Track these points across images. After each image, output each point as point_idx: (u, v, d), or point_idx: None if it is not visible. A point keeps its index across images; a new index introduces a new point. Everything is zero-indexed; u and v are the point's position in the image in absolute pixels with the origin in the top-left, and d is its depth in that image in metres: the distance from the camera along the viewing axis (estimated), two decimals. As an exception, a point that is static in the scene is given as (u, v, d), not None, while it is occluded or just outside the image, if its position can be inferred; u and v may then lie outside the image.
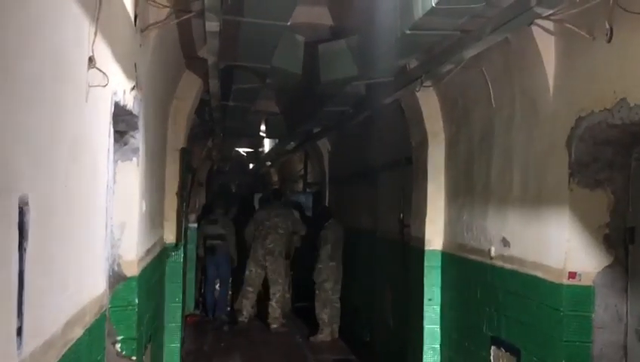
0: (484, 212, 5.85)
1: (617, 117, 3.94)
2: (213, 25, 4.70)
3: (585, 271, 4.44)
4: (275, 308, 11.44)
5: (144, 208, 5.16)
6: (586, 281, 4.43)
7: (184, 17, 4.96)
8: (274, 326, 11.39)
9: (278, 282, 11.46)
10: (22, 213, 2.02)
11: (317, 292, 10.83)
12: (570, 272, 4.43)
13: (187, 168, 8.11)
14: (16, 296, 2.02)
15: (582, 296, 4.43)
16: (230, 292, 12.70)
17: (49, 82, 2.33)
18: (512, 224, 5.28)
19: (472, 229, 6.11)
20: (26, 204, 2.05)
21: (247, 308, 11.66)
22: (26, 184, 2.07)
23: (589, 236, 4.43)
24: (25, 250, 2.06)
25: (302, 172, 16.71)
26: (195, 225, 12.01)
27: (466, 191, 6.34)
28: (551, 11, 3.92)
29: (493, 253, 5.56)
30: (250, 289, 11.59)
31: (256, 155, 19.88)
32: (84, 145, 2.94)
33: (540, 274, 4.76)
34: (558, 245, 4.52)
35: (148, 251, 5.54)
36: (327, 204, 12.97)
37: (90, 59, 2.88)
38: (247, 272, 11.58)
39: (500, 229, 5.50)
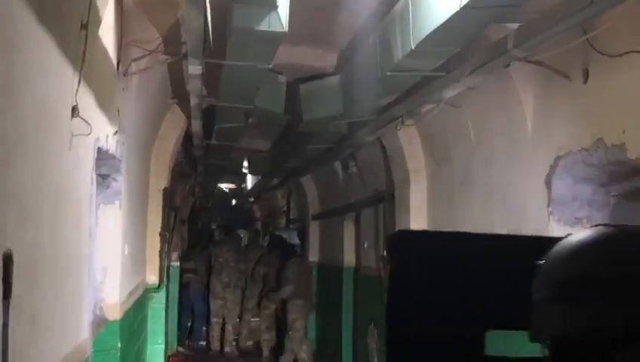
0: (466, 249, 5.85)
1: (595, 156, 4.00)
2: (195, 68, 4.75)
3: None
4: (230, 333, 12.36)
5: (126, 251, 5.14)
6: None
7: (167, 61, 5.01)
8: (227, 349, 12.22)
9: (235, 310, 12.38)
10: (6, 267, 2.02)
11: (290, 332, 10.53)
12: (552, 310, 4.44)
13: (169, 207, 8.08)
14: (1, 349, 2.01)
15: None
16: (205, 328, 12.83)
17: (33, 135, 2.34)
18: (495, 262, 5.29)
19: (456, 267, 6.11)
20: (10, 257, 2.05)
21: (216, 337, 12.34)
22: (10, 238, 2.07)
23: (571, 274, 4.45)
24: (9, 302, 2.06)
25: (285, 208, 16.65)
26: (177, 263, 11.96)
27: (449, 228, 6.35)
28: (528, 54, 4.00)
29: (476, 291, 5.56)
30: (214, 319, 12.40)
31: (240, 191, 19.84)
32: (67, 193, 2.95)
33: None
34: (540, 283, 4.53)
35: (130, 293, 5.51)
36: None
37: (74, 109, 2.89)
38: (211, 306, 12.46)
39: (482, 267, 5.50)
